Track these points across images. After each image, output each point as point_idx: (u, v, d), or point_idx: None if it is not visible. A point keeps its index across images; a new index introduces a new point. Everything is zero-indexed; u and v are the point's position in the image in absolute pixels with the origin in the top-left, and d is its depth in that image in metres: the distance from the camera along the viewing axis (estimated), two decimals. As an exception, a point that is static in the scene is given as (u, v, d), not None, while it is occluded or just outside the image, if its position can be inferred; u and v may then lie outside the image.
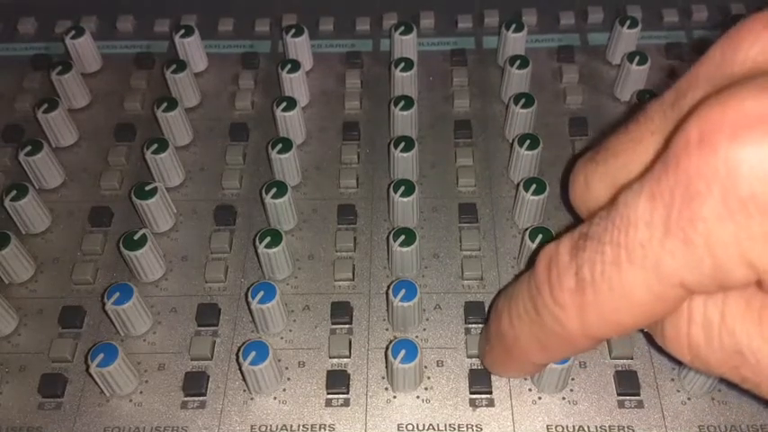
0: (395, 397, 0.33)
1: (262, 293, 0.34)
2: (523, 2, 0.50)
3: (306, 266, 0.38)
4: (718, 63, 0.23)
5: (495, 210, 0.40)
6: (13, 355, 0.35)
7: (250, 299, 0.34)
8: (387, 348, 0.32)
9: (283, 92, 0.44)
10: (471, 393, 0.33)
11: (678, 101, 0.24)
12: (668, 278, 0.21)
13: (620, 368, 0.34)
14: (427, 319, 0.36)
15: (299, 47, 0.46)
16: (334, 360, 0.35)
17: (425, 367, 0.34)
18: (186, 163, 0.43)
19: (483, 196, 0.40)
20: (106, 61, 0.49)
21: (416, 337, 0.35)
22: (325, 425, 0.33)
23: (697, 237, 0.20)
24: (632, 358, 0.34)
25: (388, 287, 0.34)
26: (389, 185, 0.38)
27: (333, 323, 0.36)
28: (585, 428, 0.32)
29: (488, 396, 0.33)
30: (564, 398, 0.33)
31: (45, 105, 0.42)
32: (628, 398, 0.33)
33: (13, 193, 0.38)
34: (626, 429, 0.32)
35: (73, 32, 0.47)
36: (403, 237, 0.36)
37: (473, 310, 0.36)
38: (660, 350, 0.29)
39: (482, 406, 0.33)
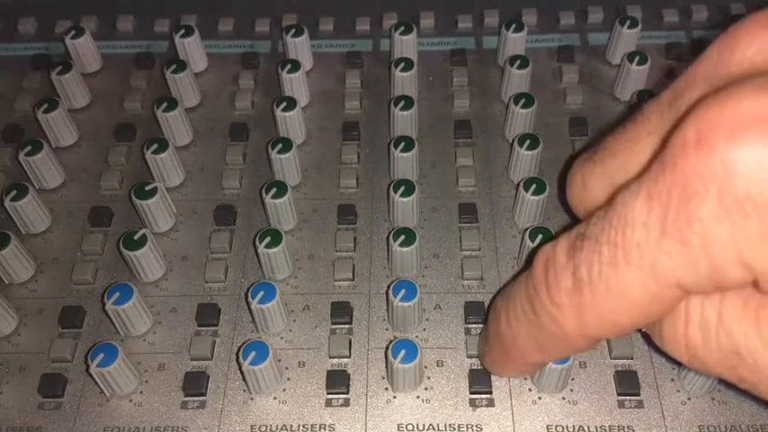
0: (395, 397, 0.33)
1: (262, 293, 0.34)
2: (523, 2, 0.50)
3: (306, 266, 0.38)
4: (716, 63, 0.23)
5: (495, 210, 0.40)
6: (13, 355, 0.35)
7: (250, 299, 0.34)
8: (387, 348, 0.32)
9: (283, 92, 0.44)
10: (471, 393, 0.33)
11: (675, 101, 0.24)
12: (665, 278, 0.21)
13: (620, 368, 0.34)
14: (427, 319, 0.36)
15: (299, 47, 0.46)
16: (334, 360, 0.35)
17: (425, 367, 0.34)
18: (186, 163, 0.43)
19: (483, 196, 0.40)
20: (106, 61, 0.49)
21: (416, 337, 0.35)
22: (325, 425, 0.33)
23: (694, 237, 0.20)
24: (632, 358, 0.34)
25: (388, 287, 0.34)
26: (389, 185, 0.38)
27: (333, 323, 0.36)
28: (585, 428, 0.32)
29: (488, 396, 0.33)
30: (564, 398, 0.33)
31: (45, 105, 0.42)
32: (628, 398, 0.33)
33: (13, 193, 0.38)
34: (626, 429, 0.32)
35: (73, 32, 0.47)
36: (403, 237, 0.36)
37: (473, 310, 0.36)
38: (658, 350, 0.29)
39: (482, 406, 0.33)
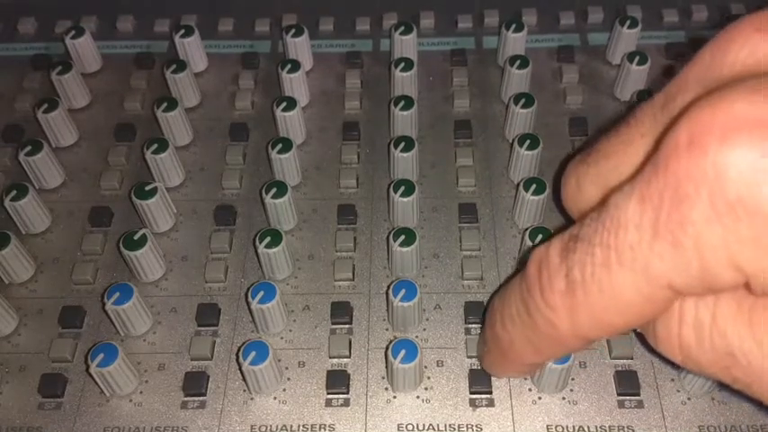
0: (395, 397, 0.33)
1: (262, 293, 0.34)
2: (523, 2, 0.50)
3: (306, 266, 0.38)
4: (708, 66, 0.23)
5: (495, 210, 0.40)
6: (13, 355, 0.35)
7: (250, 299, 0.34)
8: (387, 348, 0.32)
9: (283, 92, 0.44)
10: (471, 393, 0.33)
11: (668, 103, 0.24)
12: (657, 280, 0.21)
13: (620, 368, 0.34)
14: (427, 319, 0.36)
15: (299, 47, 0.46)
16: (334, 360, 0.35)
17: (425, 367, 0.34)
18: (186, 163, 0.43)
19: (483, 196, 0.40)
20: (106, 61, 0.49)
21: (416, 337, 0.35)
22: (325, 425, 0.33)
23: (686, 239, 0.20)
24: (632, 358, 0.34)
25: (388, 287, 0.34)
26: (389, 185, 0.38)
27: (333, 323, 0.36)
28: (585, 428, 0.32)
29: (488, 396, 0.33)
30: (564, 398, 0.33)
31: (45, 105, 0.42)
32: (628, 398, 0.33)
33: (13, 193, 0.38)
34: (626, 429, 0.32)
35: (73, 32, 0.47)
36: (403, 237, 0.36)
37: (473, 310, 0.36)
38: (652, 351, 0.29)
39: (482, 406, 0.33)
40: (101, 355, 0.32)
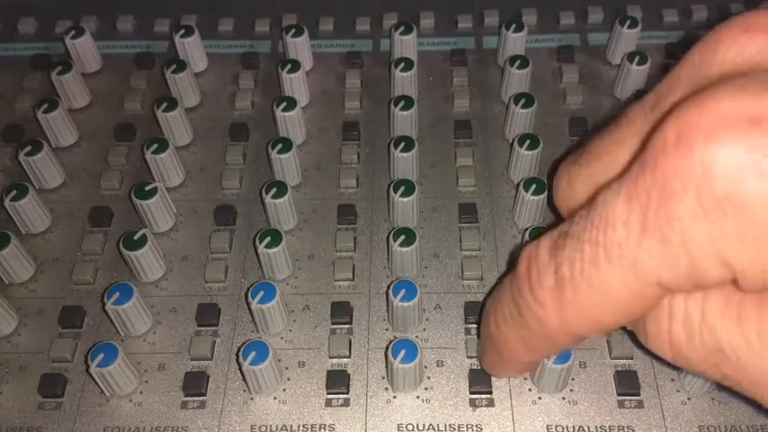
0: (395, 397, 0.33)
1: (262, 293, 0.34)
2: (523, 2, 0.50)
3: (306, 266, 0.38)
4: (698, 66, 0.24)
5: (495, 210, 0.40)
6: (13, 355, 0.35)
7: (250, 299, 0.34)
8: (387, 348, 0.32)
9: (283, 92, 0.44)
10: (471, 393, 0.33)
11: (658, 103, 0.25)
12: (645, 276, 0.22)
13: (620, 368, 0.34)
14: (427, 319, 0.36)
15: (299, 47, 0.46)
16: (334, 360, 0.35)
17: (425, 367, 0.34)
18: (186, 163, 0.43)
19: (483, 196, 0.40)
20: (106, 61, 0.49)
21: (416, 337, 0.35)
22: (325, 425, 0.33)
23: (673, 236, 0.20)
24: (632, 358, 0.34)
25: (388, 287, 0.34)
26: (389, 185, 0.38)
27: (333, 323, 0.36)
28: (585, 428, 0.32)
29: (488, 396, 0.33)
30: (564, 398, 0.33)
31: (45, 105, 0.42)
32: (628, 398, 0.33)
33: (13, 193, 0.38)
34: (626, 429, 0.32)
35: (73, 32, 0.47)
36: (403, 237, 0.36)
37: (473, 310, 0.36)
38: (642, 348, 0.29)
39: (482, 406, 0.33)
40: (101, 355, 0.32)
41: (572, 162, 0.30)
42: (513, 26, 0.45)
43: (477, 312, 0.35)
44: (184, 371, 0.34)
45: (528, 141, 0.39)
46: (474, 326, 0.35)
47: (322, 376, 0.34)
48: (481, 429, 0.32)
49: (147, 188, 0.38)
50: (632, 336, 0.32)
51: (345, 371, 0.34)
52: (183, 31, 0.46)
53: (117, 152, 0.43)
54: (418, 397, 0.33)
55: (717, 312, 0.22)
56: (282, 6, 0.51)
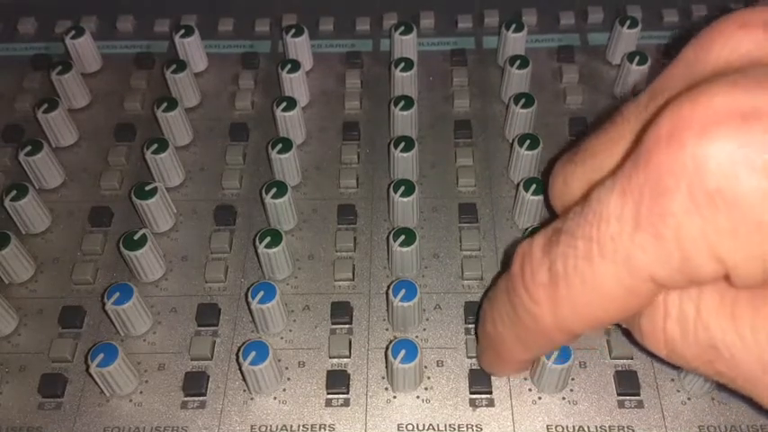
0: (395, 397, 0.33)
1: (262, 293, 0.34)
2: (523, 2, 0.50)
3: (306, 266, 0.38)
4: (692, 63, 0.24)
5: (495, 210, 0.40)
6: (13, 355, 0.35)
7: (250, 299, 0.34)
8: (387, 348, 0.32)
9: (283, 92, 0.44)
10: (471, 393, 0.33)
11: (653, 101, 0.25)
12: (639, 272, 0.22)
13: (620, 368, 0.34)
14: (427, 319, 0.36)
15: (299, 47, 0.46)
16: (334, 360, 0.35)
17: (425, 367, 0.34)
18: (186, 163, 0.43)
19: (483, 196, 0.40)
20: (106, 61, 0.49)
21: (416, 337, 0.35)
22: (325, 425, 0.33)
23: (666, 231, 0.20)
24: (632, 358, 0.34)
25: (388, 287, 0.34)
26: (389, 185, 0.38)
27: (333, 323, 0.36)
28: (585, 428, 0.32)
29: (488, 396, 0.33)
30: (564, 398, 0.33)
31: (45, 105, 0.42)
32: (628, 398, 0.33)
33: (13, 193, 0.38)
34: (626, 429, 0.32)
35: (73, 32, 0.47)
36: (403, 237, 0.36)
37: (473, 310, 0.36)
38: (639, 346, 0.29)
39: (482, 406, 0.33)
40: (101, 355, 0.32)
41: (567, 160, 0.30)
42: (513, 26, 0.45)
43: (476, 312, 0.35)
44: (184, 371, 0.34)
45: (528, 141, 0.39)
46: (474, 326, 0.35)
47: (322, 376, 0.34)
48: (481, 429, 0.32)
49: (147, 188, 0.38)
50: (628, 334, 0.32)
51: (345, 371, 0.34)
52: (183, 31, 0.46)
53: (117, 152, 0.43)
54: (418, 397, 0.33)
55: (711, 309, 0.22)
56: (282, 6, 0.51)
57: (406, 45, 0.45)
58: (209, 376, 0.34)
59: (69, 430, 0.33)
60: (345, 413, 0.33)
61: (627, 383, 0.33)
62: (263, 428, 0.33)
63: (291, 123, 0.42)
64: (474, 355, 0.34)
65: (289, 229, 0.39)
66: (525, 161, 0.39)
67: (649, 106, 0.25)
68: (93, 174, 0.43)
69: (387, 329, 0.36)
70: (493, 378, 0.33)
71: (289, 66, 0.43)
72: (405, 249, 0.35)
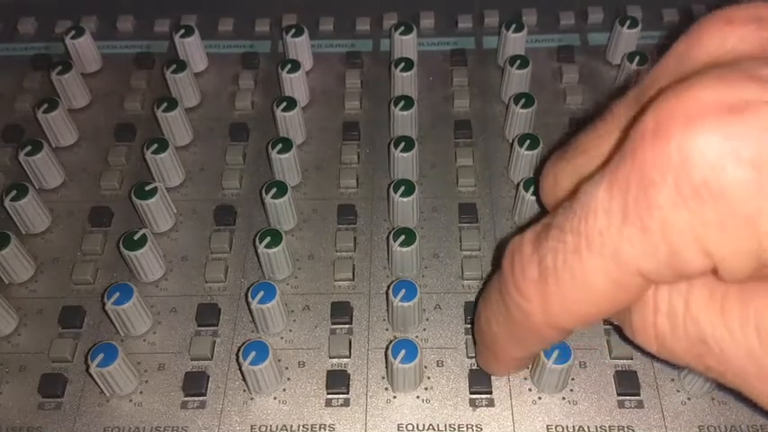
0: (395, 397, 0.33)
1: (262, 293, 0.34)
2: (523, 2, 0.50)
3: (306, 266, 0.38)
4: (680, 59, 0.24)
5: (495, 210, 0.40)
6: (13, 355, 0.35)
7: (250, 299, 0.34)
8: (387, 348, 0.32)
9: (283, 92, 0.44)
10: (471, 393, 0.33)
11: (641, 97, 0.25)
12: (626, 266, 0.22)
13: (620, 368, 0.34)
14: (427, 319, 0.36)
15: (299, 47, 0.46)
16: (334, 360, 0.35)
17: (425, 367, 0.34)
18: (186, 163, 0.43)
19: (483, 196, 0.40)
20: (106, 61, 0.49)
21: (416, 337, 0.35)
22: (325, 425, 0.33)
23: (653, 224, 0.20)
24: (632, 358, 0.34)
25: (388, 287, 0.34)
26: (389, 185, 0.38)
27: (333, 323, 0.36)
28: (585, 428, 0.32)
29: (488, 396, 0.33)
30: (564, 398, 0.33)
31: (45, 105, 0.42)
32: (628, 398, 0.33)
33: (13, 193, 0.38)
34: (626, 429, 0.32)
35: (73, 32, 0.47)
36: (403, 237, 0.36)
37: (473, 310, 0.36)
38: (629, 341, 0.29)
39: (482, 406, 0.33)
40: (101, 355, 0.32)
41: (558, 157, 0.30)
42: (513, 26, 0.45)
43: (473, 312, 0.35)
44: (184, 371, 0.34)
45: (528, 141, 0.39)
46: (472, 325, 0.35)
47: (322, 376, 0.34)
48: (481, 429, 0.32)
49: (147, 188, 0.38)
50: (619, 330, 0.32)
51: (345, 371, 0.34)
52: (182, 31, 0.46)
53: (117, 152, 0.43)
54: (418, 397, 0.33)
55: (700, 304, 0.22)
56: (282, 6, 0.51)
57: (406, 45, 0.45)
58: (209, 376, 0.34)
59: (69, 430, 0.33)
60: (345, 413, 0.33)
61: (627, 383, 0.33)
62: (263, 428, 0.33)
63: (291, 123, 0.42)
64: (474, 354, 0.34)
65: (289, 229, 0.39)
66: (525, 161, 0.39)
67: (638, 102, 0.25)
68: (93, 174, 0.43)
69: (387, 329, 0.36)
70: (493, 378, 0.33)
71: (289, 66, 0.43)
72: (405, 249, 0.35)
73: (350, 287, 0.37)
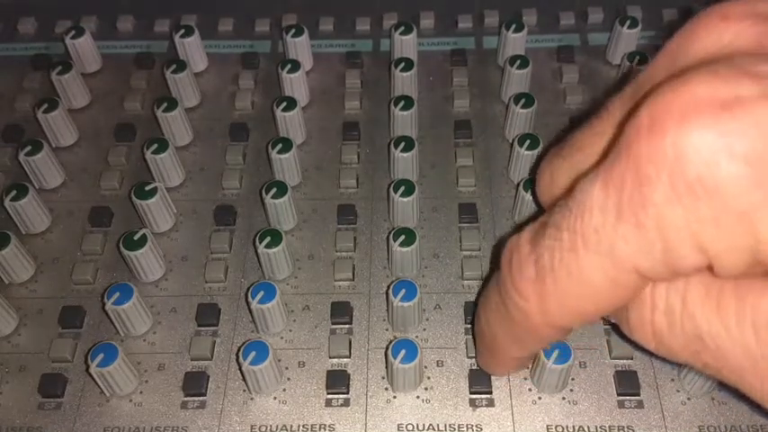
0: (395, 397, 0.33)
1: (262, 293, 0.34)
2: (523, 2, 0.50)
3: (306, 266, 0.38)
4: (676, 55, 0.24)
5: (495, 210, 0.40)
6: (13, 355, 0.35)
7: (250, 299, 0.34)
8: (387, 348, 0.32)
9: (283, 92, 0.44)
10: (471, 393, 0.33)
11: (637, 94, 0.25)
12: (622, 263, 0.22)
13: (620, 368, 0.34)
14: (427, 319, 0.36)
15: (299, 47, 0.46)
16: (334, 360, 0.35)
17: (425, 367, 0.34)
18: (186, 163, 0.43)
19: (483, 196, 0.40)
20: (106, 61, 0.49)
21: (416, 337, 0.35)
22: (325, 425, 0.33)
23: (648, 221, 0.20)
24: (632, 358, 0.34)
25: (388, 287, 0.34)
26: (389, 185, 0.38)
27: (333, 323, 0.36)
28: (585, 428, 0.32)
29: (488, 396, 0.33)
30: (564, 398, 0.33)
31: (45, 105, 0.42)
32: (628, 398, 0.33)
33: (13, 193, 0.38)
34: (626, 429, 0.32)
35: (73, 32, 0.47)
36: (403, 237, 0.36)
37: (473, 310, 0.36)
38: (627, 339, 0.29)
39: (482, 406, 0.33)
40: (101, 355, 0.32)
41: (554, 155, 0.30)
42: (513, 26, 0.45)
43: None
44: (184, 371, 0.34)
45: (528, 141, 0.39)
46: (471, 325, 0.35)
47: (322, 376, 0.34)
48: (481, 429, 0.32)
49: (147, 188, 0.38)
50: (616, 328, 0.32)
51: (345, 371, 0.34)
52: (182, 31, 0.46)
53: (117, 152, 0.43)
54: (418, 397, 0.33)
55: (697, 301, 0.22)
56: (282, 6, 0.51)
57: (406, 45, 0.45)
58: (209, 376, 0.34)
59: (69, 430, 0.33)
60: (345, 413, 0.33)
61: (627, 383, 0.33)
62: (263, 428, 0.33)
63: (291, 123, 0.42)
64: (474, 355, 0.34)
65: (289, 229, 0.39)
66: (525, 161, 0.39)
67: (634, 99, 0.25)
68: (93, 174, 0.43)
69: (387, 329, 0.36)
70: (493, 378, 0.33)
71: (289, 66, 0.43)
72: (405, 249, 0.35)
73: (350, 287, 0.37)
